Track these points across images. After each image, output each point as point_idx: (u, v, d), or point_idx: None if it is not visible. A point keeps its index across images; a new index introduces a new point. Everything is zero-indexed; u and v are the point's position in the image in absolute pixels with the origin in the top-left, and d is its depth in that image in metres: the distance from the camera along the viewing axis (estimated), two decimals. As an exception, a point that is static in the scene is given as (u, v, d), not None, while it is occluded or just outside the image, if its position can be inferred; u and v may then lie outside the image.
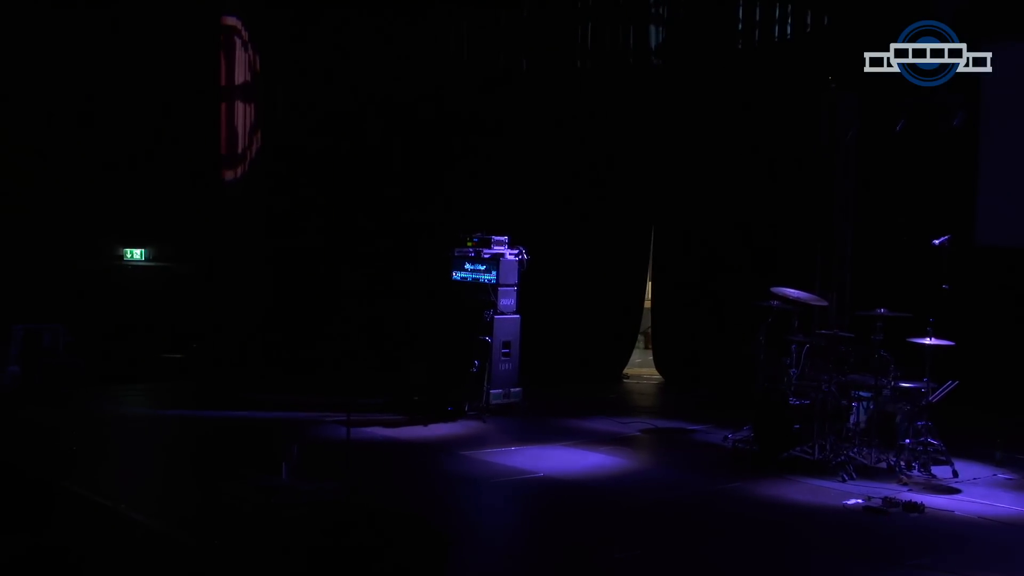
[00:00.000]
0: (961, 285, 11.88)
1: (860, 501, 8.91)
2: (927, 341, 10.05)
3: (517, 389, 12.63)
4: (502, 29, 15.58)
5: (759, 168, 14.37)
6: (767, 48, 14.49)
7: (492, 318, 12.39)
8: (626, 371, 15.87)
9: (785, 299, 10.97)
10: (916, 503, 8.77)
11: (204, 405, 12.54)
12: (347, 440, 9.56)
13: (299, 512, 6.91)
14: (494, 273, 12.51)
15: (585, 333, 15.39)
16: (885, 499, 8.89)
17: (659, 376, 15.65)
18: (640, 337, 16.84)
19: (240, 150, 15.35)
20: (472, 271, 12.71)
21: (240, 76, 15.29)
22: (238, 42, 15.18)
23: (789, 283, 11.25)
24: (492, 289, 12.49)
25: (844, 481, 9.60)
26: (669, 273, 15.46)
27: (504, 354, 12.51)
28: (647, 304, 16.01)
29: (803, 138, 13.94)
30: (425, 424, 11.72)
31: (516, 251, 12.68)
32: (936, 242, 10.88)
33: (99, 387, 13.16)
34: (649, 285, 15.93)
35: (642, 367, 16.29)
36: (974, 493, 9.37)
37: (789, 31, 14.51)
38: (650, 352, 16.27)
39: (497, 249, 12.60)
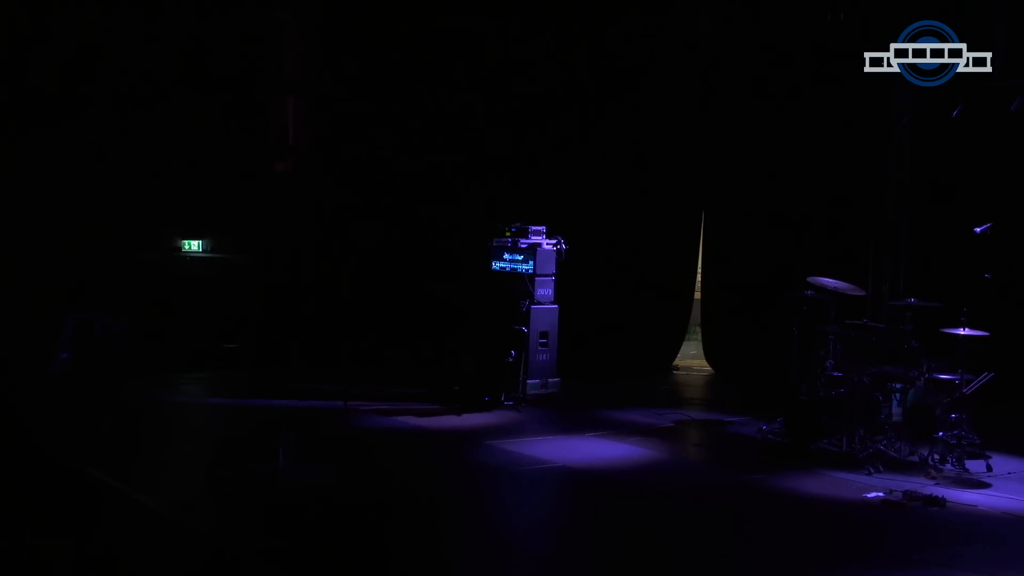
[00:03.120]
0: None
1: (881, 495, 8.69)
2: (961, 331, 9.76)
3: (555, 380, 12.57)
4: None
5: (813, 154, 14.08)
6: (820, 32, 14.16)
7: (528, 308, 12.35)
8: (676, 362, 15.71)
9: (820, 289, 10.74)
10: (937, 497, 8.53)
11: (249, 394, 12.70)
12: (348, 426, 9.67)
13: (290, 497, 6.96)
14: (531, 263, 12.48)
15: (634, 324, 15.24)
16: (906, 493, 8.66)
17: (709, 368, 15.44)
18: (697, 329, 16.62)
19: (292, 142, 15.52)
20: (510, 261, 12.69)
21: (291, 69, 15.46)
22: (290, 35, 15.34)
23: (843, 273, 11.05)
24: (529, 279, 12.46)
25: (870, 474, 9.38)
26: (719, 262, 15.24)
27: (541, 344, 12.46)
28: (697, 295, 15.81)
29: (857, 124, 13.64)
30: (459, 414, 11.74)
31: (554, 241, 12.62)
32: (978, 230, 10.61)
33: (151, 376, 13.40)
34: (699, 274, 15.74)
35: (695, 358, 16.08)
36: (1005, 488, 9.09)
37: (843, 15, 14.17)
38: (706, 343, 16.06)
39: (534, 239, 12.56)
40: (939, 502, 8.47)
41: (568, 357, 13.27)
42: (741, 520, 8.12)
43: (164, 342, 14.61)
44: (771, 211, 14.44)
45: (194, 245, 15.98)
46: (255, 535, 7.00)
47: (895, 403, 10.04)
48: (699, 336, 16.29)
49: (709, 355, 15.50)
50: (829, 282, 10.67)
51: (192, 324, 15.23)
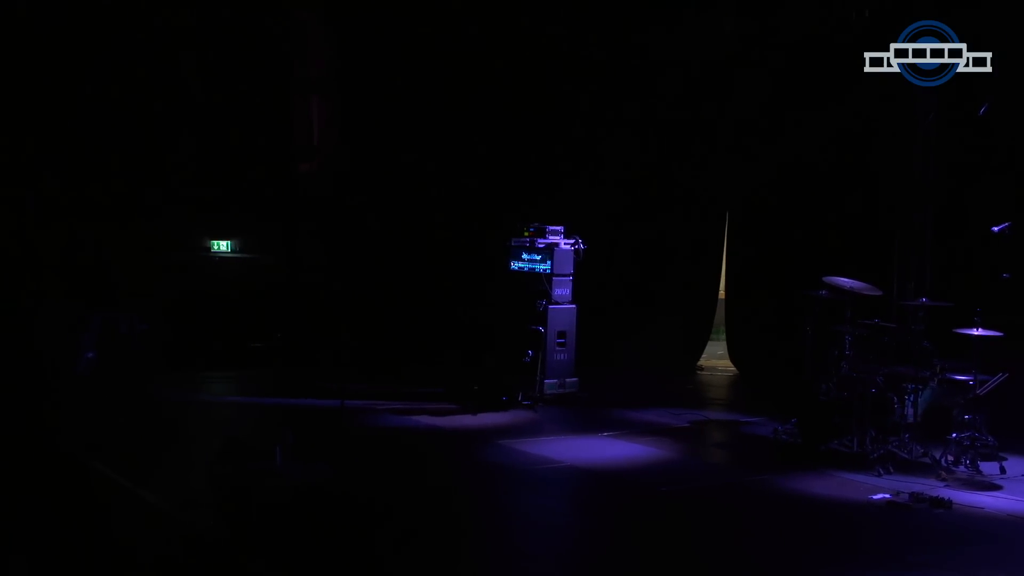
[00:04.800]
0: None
1: (887, 496, 8.62)
2: (975, 332, 9.65)
3: (573, 379, 12.57)
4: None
5: (838, 153, 13.96)
6: (843, 31, 14.03)
7: (546, 308, 12.36)
8: (701, 363, 15.64)
9: (836, 289, 10.65)
10: (943, 499, 8.44)
11: (270, 393, 12.76)
12: (361, 425, 9.63)
13: (281, 494, 7.04)
14: (549, 263, 12.50)
15: (658, 324, 15.22)
16: (913, 495, 8.59)
17: (734, 368, 15.36)
18: (724, 329, 16.51)
19: (316, 142, 15.65)
20: (528, 261, 12.71)
21: (315, 69, 15.59)
22: (313, 35, 15.47)
23: (869, 273, 10.98)
24: (546, 279, 12.47)
25: (880, 475, 9.30)
26: (743, 262, 15.15)
27: (559, 344, 12.47)
28: (722, 295, 15.74)
29: (881, 122, 13.51)
30: (474, 413, 11.76)
31: (571, 240, 12.62)
32: (995, 229, 10.51)
33: (177, 374, 13.52)
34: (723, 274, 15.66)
35: (722, 359, 15.99)
36: (1016, 490, 8.99)
37: (867, 12, 14.03)
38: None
39: (552, 239, 12.57)
40: (945, 504, 8.38)
41: (591, 357, 13.32)
42: (741, 521, 8.09)
43: (192, 340, 14.79)
44: (795, 210, 14.34)
45: (223, 245, 16.16)
46: (248, 532, 7.08)
47: (908, 404, 9.96)
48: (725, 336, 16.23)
49: (733, 355, 15.42)
50: (845, 282, 10.57)
51: (220, 323, 15.41)
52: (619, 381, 13.99)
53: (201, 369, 14.07)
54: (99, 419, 10.85)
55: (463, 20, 15.16)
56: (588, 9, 14.99)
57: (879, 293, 10.95)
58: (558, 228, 12.67)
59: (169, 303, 14.91)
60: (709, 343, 15.89)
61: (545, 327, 12.35)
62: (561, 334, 12.51)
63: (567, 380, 12.53)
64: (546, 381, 12.32)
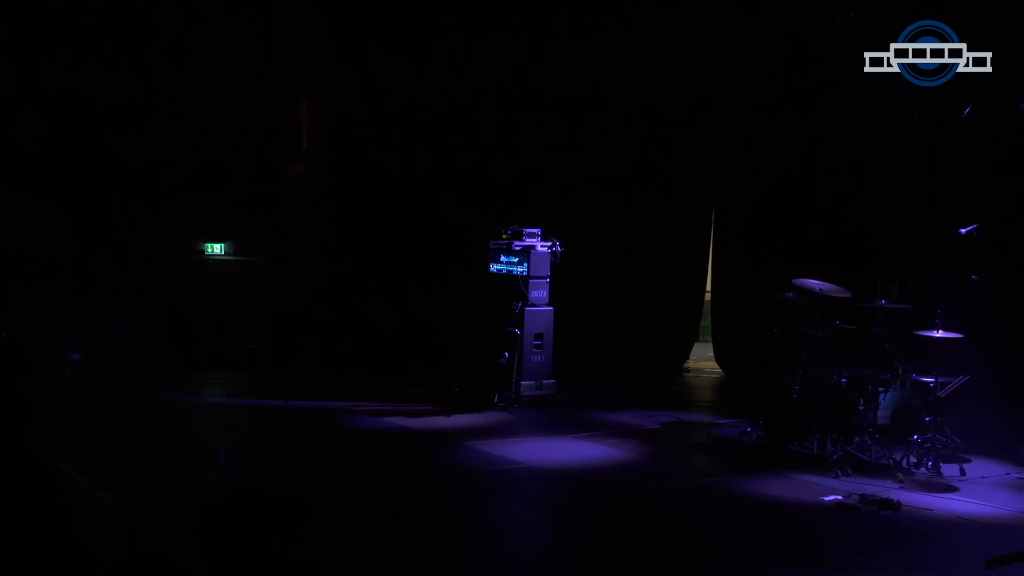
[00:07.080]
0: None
1: (838, 498, 8.62)
2: (936, 334, 9.65)
3: (550, 381, 12.61)
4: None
5: (825, 154, 13.93)
6: (829, 30, 14.00)
7: (522, 310, 12.41)
8: (688, 364, 15.63)
9: (805, 291, 10.64)
10: (892, 501, 8.43)
11: (255, 395, 12.82)
12: (331, 427, 9.75)
13: (218, 492, 7.16)
14: (525, 265, 12.56)
15: (644, 325, 15.26)
16: (863, 496, 8.58)
17: (721, 370, 15.35)
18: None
19: (305, 147, 15.78)
20: (506, 263, 12.77)
21: (304, 74, 15.73)
22: (303, 40, 15.61)
23: (855, 274, 11.04)
24: (523, 281, 12.53)
25: (837, 477, 9.30)
26: (729, 263, 15.14)
27: (536, 346, 12.52)
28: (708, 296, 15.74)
29: (866, 123, 13.47)
30: (448, 415, 11.83)
31: (549, 243, 12.67)
32: (964, 231, 10.51)
33: (170, 376, 13.60)
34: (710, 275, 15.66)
35: (711, 360, 15.96)
36: (971, 492, 8.97)
37: (852, 14, 13.99)
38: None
39: (528, 241, 12.62)
40: (894, 506, 8.37)
41: (576, 359, 13.41)
42: (683, 522, 8.12)
43: (186, 343, 14.94)
44: (781, 211, 14.32)
45: (216, 248, 16.28)
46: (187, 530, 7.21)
47: (871, 405, 9.95)
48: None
49: (719, 357, 15.41)
50: (814, 284, 10.56)
51: (214, 325, 15.54)
52: (602, 383, 14.02)
53: (192, 371, 14.19)
54: (74, 420, 11.00)
55: (450, 24, 15.24)
56: (572, 7, 15.04)
57: (848, 295, 10.92)
58: (535, 231, 12.71)
59: (162, 305, 15.08)
60: (698, 344, 15.90)
61: (521, 329, 12.40)
62: (538, 336, 12.55)
63: (544, 382, 12.58)
64: (523, 383, 12.38)
